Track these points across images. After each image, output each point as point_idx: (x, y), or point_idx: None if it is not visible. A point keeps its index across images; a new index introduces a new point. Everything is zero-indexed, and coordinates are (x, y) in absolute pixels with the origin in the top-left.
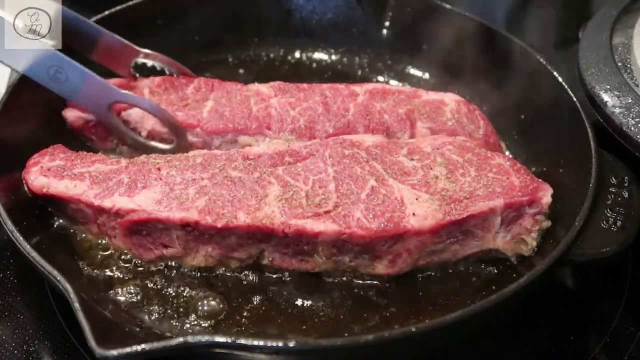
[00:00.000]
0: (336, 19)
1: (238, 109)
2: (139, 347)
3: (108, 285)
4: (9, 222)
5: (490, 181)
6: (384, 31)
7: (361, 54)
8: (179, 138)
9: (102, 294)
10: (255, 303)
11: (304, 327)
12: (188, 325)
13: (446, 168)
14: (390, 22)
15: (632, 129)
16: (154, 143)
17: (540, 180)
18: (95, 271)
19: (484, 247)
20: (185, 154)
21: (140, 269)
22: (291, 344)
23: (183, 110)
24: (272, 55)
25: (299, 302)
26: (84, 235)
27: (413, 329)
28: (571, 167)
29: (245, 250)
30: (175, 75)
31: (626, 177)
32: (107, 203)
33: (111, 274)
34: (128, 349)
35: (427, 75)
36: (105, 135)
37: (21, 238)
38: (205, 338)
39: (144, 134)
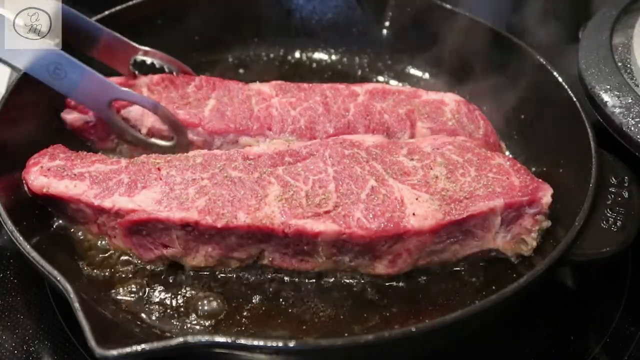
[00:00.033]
0: (336, 19)
1: (240, 109)
2: (139, 347)
3: (108, 285)
4: (9, 222)
5: (490, 181)
6: (384, 31)
7: (361, 54)
8: (178, 135)
9: (102, 294)
10: (255, 303)
11: (304, 327)
12: (188, 325)
13: (446, 168)
14: (390, 22)
15: (632, 129)
16: (154, 140)
17: (540, 180)
18: (95, 271)
19: (484, 247)
20: (185, 154)
21: (140, 269)
22: (291, 344)
23: (184, 108)
24: (272, 55)
25: (298, 302)
26: (83, 235)
27: (413, 329)
28: (571, 167)
29: (245, 250)
30: (174, 73)
31: (626, 177)
32: (107, 203)
33: (111, 274)
34: (128, 349)
35: (427, 75)
36: (105, 135)
37: (21, 238)
38: (205, 338)
39: (143, 131)
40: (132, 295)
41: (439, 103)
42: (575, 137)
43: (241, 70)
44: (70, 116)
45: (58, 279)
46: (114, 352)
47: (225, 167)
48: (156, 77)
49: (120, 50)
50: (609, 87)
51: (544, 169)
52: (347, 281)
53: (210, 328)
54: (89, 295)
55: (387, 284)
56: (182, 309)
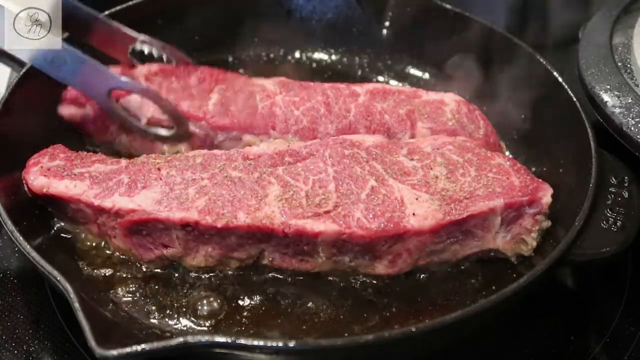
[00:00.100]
0: (336, 19)
1: (244, 105)
2: (139, 347)
3: (108, 285)
4: (9, 222)
5: (490, 181)
6: (384, 31)
7: (361, 54)
8: (179, 126)
9: (102, 294)
10: (255, 303)
11: (304, 327)
12: (188, 325)
13: (446, 168)
14: (390, 22)
15: (632, 129)
16: (154, 129)
17: (540, 180)
18: (95, 271)
19: (484, 247)
20: (185, 154)
21: (141, 269)
22: (291, 344)
23: (187, 100)
24: (272, 55)
25: (298, 302)
26: (84, 235)
27: (413, 329)
28: (571, 167)
29: (245, 250)
30: (173, 63)
31: (626, 177)
32: (107, 203)
33: (111, 274)
34: (128, 349)
35: (427, 75)
36: (103, 127)
37: (21, 238)
38: (205, 338)
39: (143, 120)
40: (132, 295)
41: (439, 103)
42: (575, 137)
43: (241, 70)
44: (67, 111)
45: (58, 279)
46: (114, 352)
47: (225, 167)
48: (155, 67)
49: (117, 38)
50: (609, 87)
51: (544, 169)
52: (347, 281)
53: (210, 328)
54: (89, 295)
55: (387, 283)
56: (182, 309)
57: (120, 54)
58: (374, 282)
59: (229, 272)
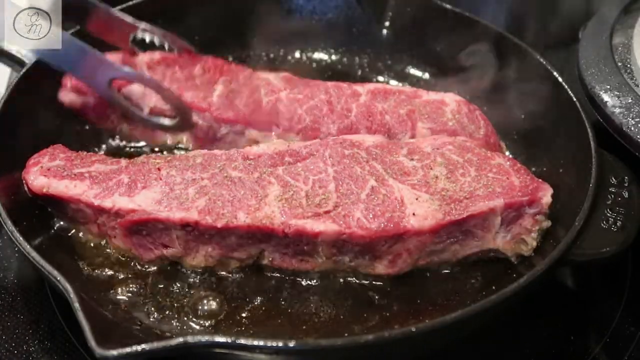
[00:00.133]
0: (336, 19)
1: (249, 99)
2: (139, 347)
3: (108, 285)
4: (9, 222)
5: (490, 181)
6: (384, 31)
7: (361, 54)
8: (182, 116)
9: (102, 294)
10: (255, 303)
11: (304, 327)
12: (188, 325)
13: (446, 168)
14: (390, 22)
15: (632, 129)
16: (156, 119)
17: (540, 180)
18: (95, 271)
19: (484, 247)
20: (185, 154)
21: (141, 269)
22: (291, 344)
23: (191, 90)
24: (272, 55)
25: (298, 302)
26: (84, 235)
27: (413, 329)
28: (571, 167)
29: (245, 250)
30: (175, 51)
31: (626, 177)
32: (107, 203)
33: (111, 274)
34: (128, 349)
35: (427, 75)
36: (104, 114)
37: (21, 238)
38: (205, 338)
39: (146, 110)
40: (132, 295)
41: (439, 103)
42: (575, 137)
43: None
44: (67, 98)
45: (58, 279)
46: (114, 352)
47: (225, 167)
48: (157, 55)
49: (117, 26)
50: (609, 87)
51: (544, 169)
52: (347, 281)
53: (210, 328)
54: (89, 295)
55: (387, 283)
56: (182, 309)
57: (121, 41)
58: (374, 282)
59: (229, 272)
